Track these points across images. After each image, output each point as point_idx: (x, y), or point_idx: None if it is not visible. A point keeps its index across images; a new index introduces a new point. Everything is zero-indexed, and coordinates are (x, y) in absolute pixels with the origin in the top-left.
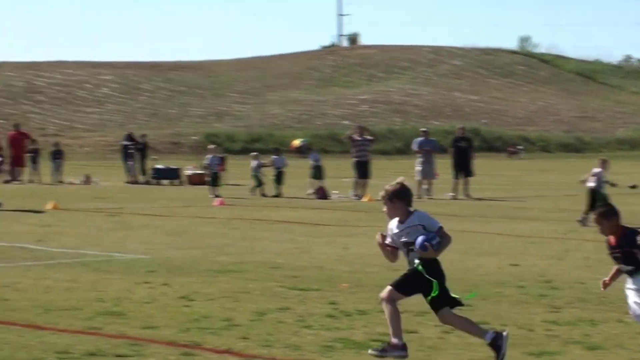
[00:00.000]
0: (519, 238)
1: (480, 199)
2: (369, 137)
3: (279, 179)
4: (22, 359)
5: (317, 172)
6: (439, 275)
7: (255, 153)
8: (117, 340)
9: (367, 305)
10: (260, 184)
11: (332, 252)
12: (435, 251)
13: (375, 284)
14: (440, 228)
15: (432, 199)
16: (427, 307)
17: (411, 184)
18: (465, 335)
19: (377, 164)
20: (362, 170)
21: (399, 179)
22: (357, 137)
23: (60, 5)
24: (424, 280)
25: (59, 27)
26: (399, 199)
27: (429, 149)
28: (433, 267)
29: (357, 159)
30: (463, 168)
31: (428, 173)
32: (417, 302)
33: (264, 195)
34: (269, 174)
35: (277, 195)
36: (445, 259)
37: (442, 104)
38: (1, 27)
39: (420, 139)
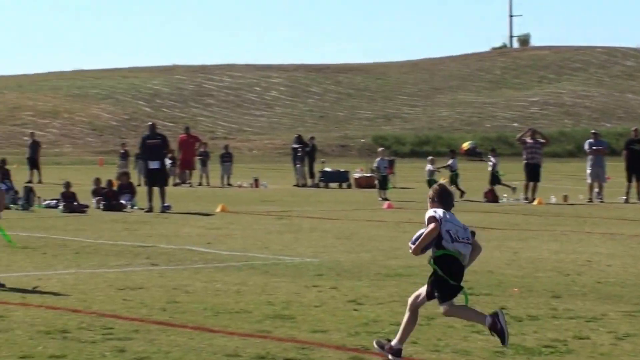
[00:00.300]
0: None
1: None
2: (540, 140)
3: (454, 181)
4: None
5: (493, 177)
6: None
7: (431, 157)
8: (286, 343)
9: (538, 310)
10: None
11: (502, 257)
12: (415, 247)
13: (547, 288)
14: (428, 225)
15: (603, 202)
16: (598, 312)
17: (583, 187)
18: (639, 343)
19: (548, 167)
20: (533, 173)
21: (441, 181)
22: (528, 139)
23: (229, 8)
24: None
25: (229, 30)
26: (436, 200)
27: (600, 149)
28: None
29: (527, 162)
30: (636, 171)
31: (598, 175)
32: (589, 307)
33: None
34: (440, 176)
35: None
36: (617, 263)
37: (615, 106)
38: (172, 31)
39: (590, 140)
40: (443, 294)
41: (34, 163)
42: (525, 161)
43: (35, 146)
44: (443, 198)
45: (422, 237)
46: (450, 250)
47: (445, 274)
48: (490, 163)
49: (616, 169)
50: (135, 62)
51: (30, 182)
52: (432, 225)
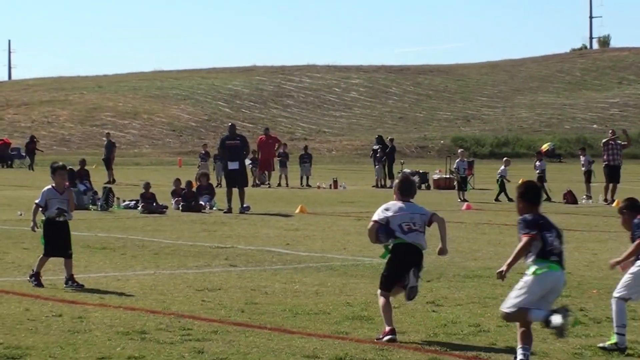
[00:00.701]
0: None
1: None
2: (621, 142)
3: (540, 182)
4: None
5: (588, 174)
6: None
7: (506, 158)
8: (364, 345)
9: None
10: (501, 190)
11: (581, 258)
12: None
13: None
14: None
15: None
16: None
17: None
18: None
19: (627, 169)
20: (613, 175)
21: (406, 171)
22: (610, 141)
23: (310, 9)
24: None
25: (309, 31)
26: (396, 191)
27: None
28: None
29: (607, 163)
30: None
31: None
32: None
33: (509, 199)
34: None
35: (547, 199)
36: None
37: None
38: (253, 32)
39: None
40: (381, 281)
41: (107, 164)
42: (605, 162)
43: (110, 147)
44: (403, 189)
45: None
46: (405, 240)
47: (391, 264)
48: (582, 162)
49: None
50: (215, 62)
51: (109, 182)
52: (369, 225)
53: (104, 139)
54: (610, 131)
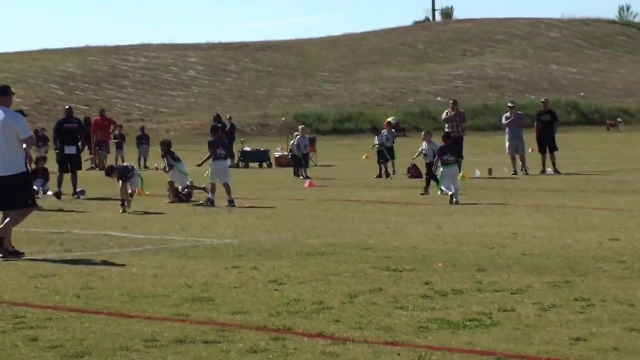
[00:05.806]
0: (619, 212)
1: (572, 174)
2: (462, 111)
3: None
4: (108, 348)
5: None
6: None
7: (302, 127)
8: (205, 326)
9: (462, 284)
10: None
11: (425, 232)
12: None
13: (471, 262)
14: None
15: (528, 174)
16: (523, 284)
17: (507, 160)
18: (564, 313)
19: (471, 141)
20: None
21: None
22: (450, 112)
23: None
24: None
25: (143, 9)
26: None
27: (515, 121)
28: None
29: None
30: (547, 142)
31: (517, 148)
32: (514, 279)
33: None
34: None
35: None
36: (542, 235)
37: (539, 78)
38: (84, 11)
39: (507, 113)
40: None
41: None
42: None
43: None
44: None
45: None
46: None
47: None
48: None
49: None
50: (46, 44)
51: None
52: None
53: None
54: (451, 102)
